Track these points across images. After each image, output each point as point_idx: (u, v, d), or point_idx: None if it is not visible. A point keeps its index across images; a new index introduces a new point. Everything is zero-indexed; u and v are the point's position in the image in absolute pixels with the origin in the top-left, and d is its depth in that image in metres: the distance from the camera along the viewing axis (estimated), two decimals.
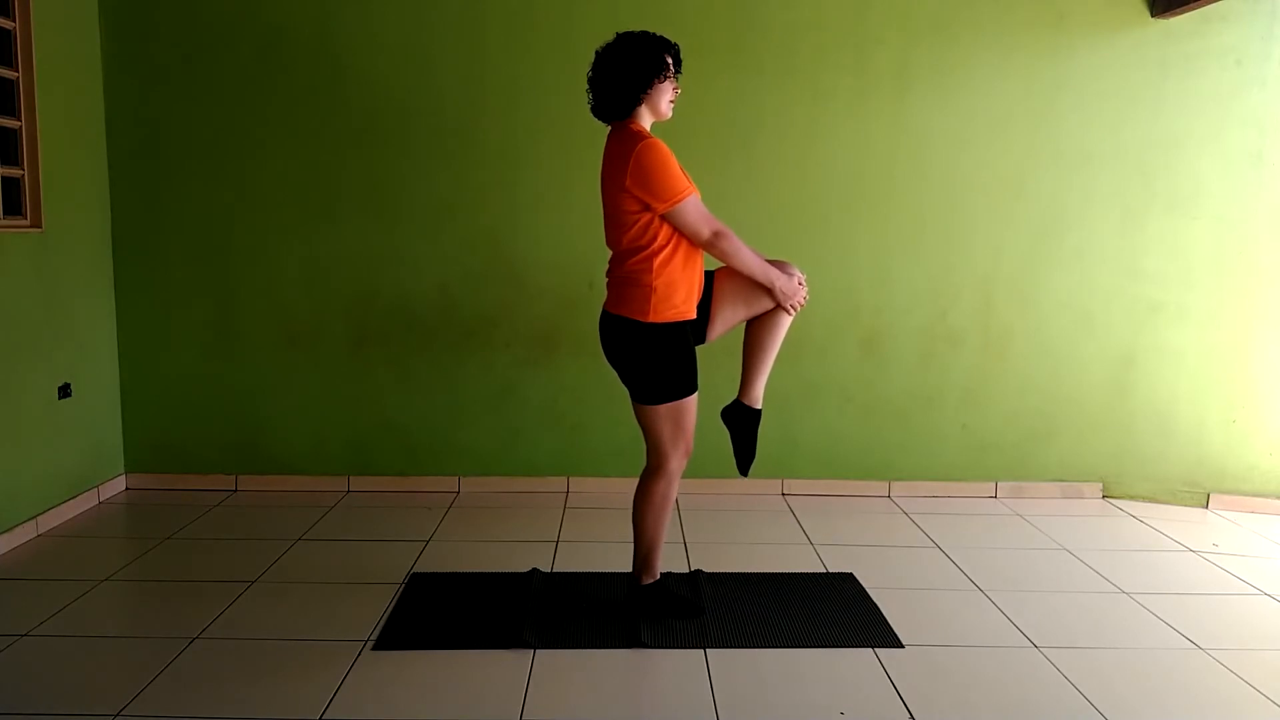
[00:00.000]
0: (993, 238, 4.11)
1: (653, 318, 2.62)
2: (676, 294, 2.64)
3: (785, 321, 2.81)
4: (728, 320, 2.81)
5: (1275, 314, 4.06)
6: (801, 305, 2.75)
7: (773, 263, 2.71)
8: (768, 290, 2.71)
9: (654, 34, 2.68)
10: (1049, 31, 4.01)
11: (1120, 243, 4.11)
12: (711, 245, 2.63)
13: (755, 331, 2.84)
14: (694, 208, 2.59)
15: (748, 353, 2.87)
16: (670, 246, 2.62)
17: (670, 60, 2.66)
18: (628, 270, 2.64)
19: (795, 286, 2.72)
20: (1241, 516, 4.05)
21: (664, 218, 2.59)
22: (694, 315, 2.71)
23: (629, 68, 2.62)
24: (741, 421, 2.90)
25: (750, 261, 2.66)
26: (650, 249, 2.60)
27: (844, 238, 4.10)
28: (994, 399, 4.20)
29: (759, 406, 2.89)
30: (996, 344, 4.17)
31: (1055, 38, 4.02)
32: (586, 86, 2.71)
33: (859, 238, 4.10)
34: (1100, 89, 4.04)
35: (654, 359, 2.65)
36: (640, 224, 2.60)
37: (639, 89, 2.62)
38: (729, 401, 2.93)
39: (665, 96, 2.68)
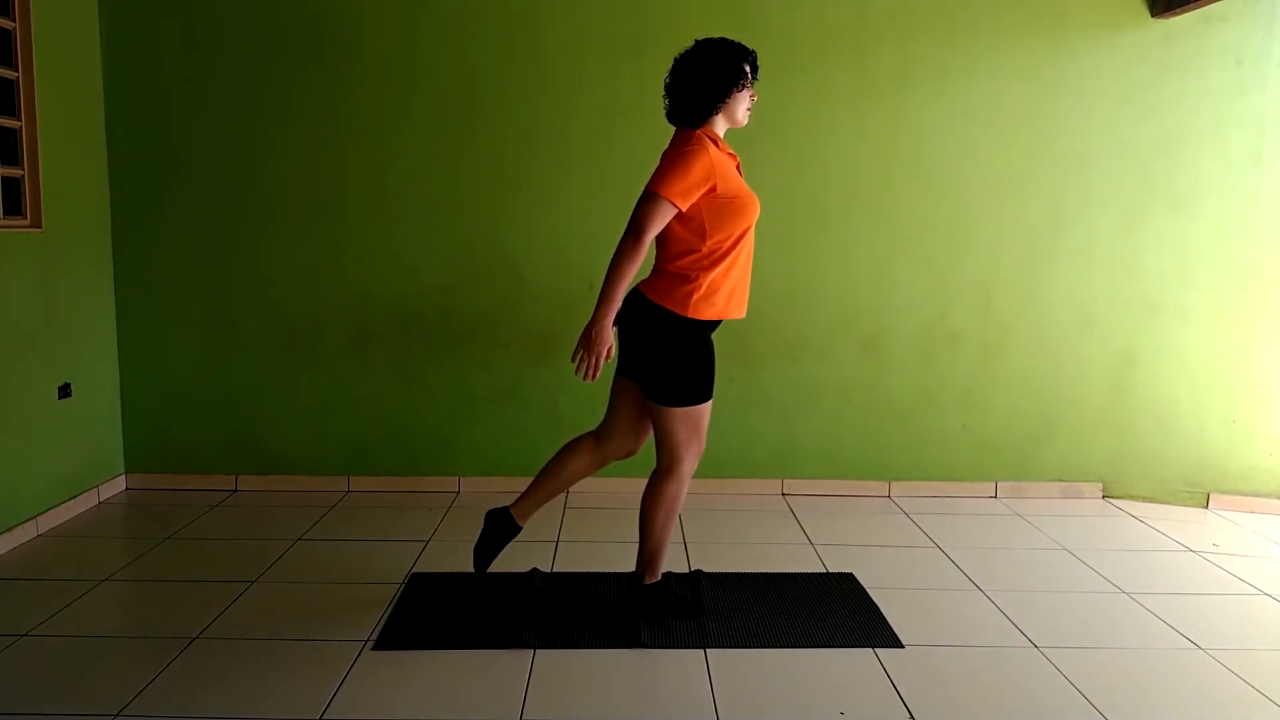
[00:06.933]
0: (993, 238, 4.11)
1: (692, 314, 2.61)
2: (718, 294, 2.63)
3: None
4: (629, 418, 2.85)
5: (1275, 314, 4.06)
6: (589, 366, 2.56)
7: (595, 329, 2.55)
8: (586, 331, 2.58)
9: (732, 41, 2.64)
10: (1049, 31, 4.01)
11: (1120, 243, 4.11)
12: (624, 234, 2.53)
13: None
14: (656, 206, 2.51)
15: (547, 486, 2.91)
16: (721, 251, 2.60)
17: (748, 68, 2.64)
18: (677, 266, 2.62)
19: (604, 342, 2.55)
20: (1241, 516, 4.05)
21: (642, 194, 2.54)
22: (731, 317, 2.71)
23: (707, 76, 2.58)
24: (498, 529, 2.94)
25: (613, 281, 2.52)
26: (700, 252, 2.59)
27: (844, 238, 4.10)
28: (994, 399, 4.20)
29: (522, 525, 2.95)
30: (996, 344, 4.17)
31: (1055, 38, 4.02)
32: (663, 93, 2.67)
33: (859, 238, 4.10)
34: (1100, 89, 4.04)
35: (684, 357, 2.64)
36: (689, 225, 2.58)
37: (717, 98, 2.59)
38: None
39: (742, 105, 2.65)
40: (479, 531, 3.00)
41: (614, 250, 2.55)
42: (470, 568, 3.08)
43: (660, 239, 2.65)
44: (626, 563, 3.18)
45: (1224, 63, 3.99)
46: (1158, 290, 4.12)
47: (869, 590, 3.12)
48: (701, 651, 2.67)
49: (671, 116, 2.68)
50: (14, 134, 3.48)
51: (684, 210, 2.54)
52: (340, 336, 4.11)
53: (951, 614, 2.97)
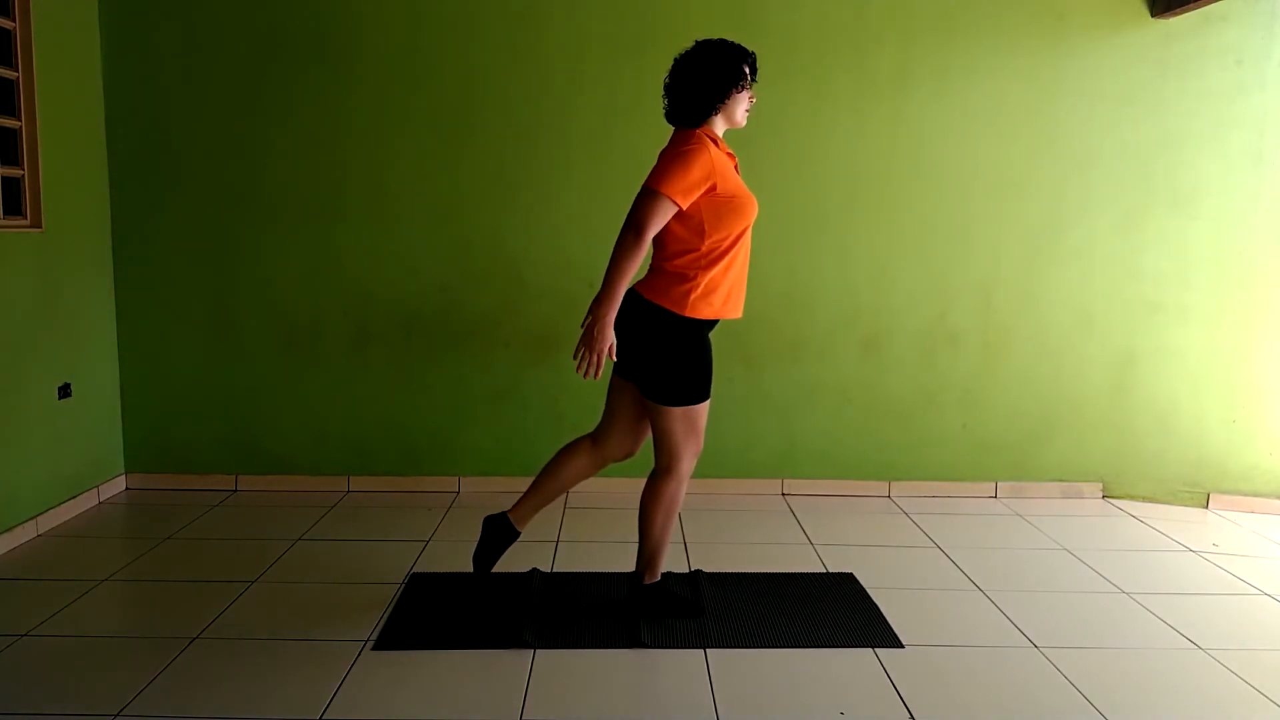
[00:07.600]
0: (993, 238, 4.11)
1: (689, 313, 2.62)
2: (716, 293, 2.64)
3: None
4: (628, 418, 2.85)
5: (1275, 314, 4.06)
6: (591, 364, 2.54)
7: (597, 327, 2.54)
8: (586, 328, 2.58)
9: (732, 43, 2.65)
10: (1049, 31, 4.01)
11: (1120, 243, 4.11)
12: (624, 231, 2.53)
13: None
14: (657, 204, 2.50)
15: (545, 489, 2.92)
16: (720, 250, 2.61)
17: (747, 69, 2.64)
18: (675, 265, 2.63)
19: (604, 339, 2.53)
20: (1241, 516, 4.05)
21: (642, 191, 2.55)
22: (729, 316, 2.71)
23: (707, 77, 2.58)
24: (497, 535, 2.95)
25: (614, 278, 2.52)
26: (699, 251, 2.60)
27: (844, 238, 4.10)
28: (994, 399, 4.20)
29: (520, 530, 2.96)
30: (996, 344, 4.17)
31: (1055, 38, 4.02)
32: (662, 92, 2.68)
33: (859, 238, 4.10)
34: (1100, 89, 4.04)
35: (681, 356, 2.65)
36: (688, 224, 2.59)
37: (716, 98, 2.59)
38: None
39: (741, 106, 2.65)
40: (479, 532, 3.00)
41: (613, 248, 2.55)
42: (468, 566, 3.09)
43: (658, 238, 2.65)
44: (626, 563, 3.18)
45: (1224, 63, 3.99)
46: (1158, 290, 4.12)
47: (869, 590, 3.12)
48: (701, 651, 2.67)
49: (671, 116, 2.68)
50: (14, 134, 3.48)
51: (684, 209, 2.54)
52: (340, 336, 4.11)
53: (951, 614, 2.97)
